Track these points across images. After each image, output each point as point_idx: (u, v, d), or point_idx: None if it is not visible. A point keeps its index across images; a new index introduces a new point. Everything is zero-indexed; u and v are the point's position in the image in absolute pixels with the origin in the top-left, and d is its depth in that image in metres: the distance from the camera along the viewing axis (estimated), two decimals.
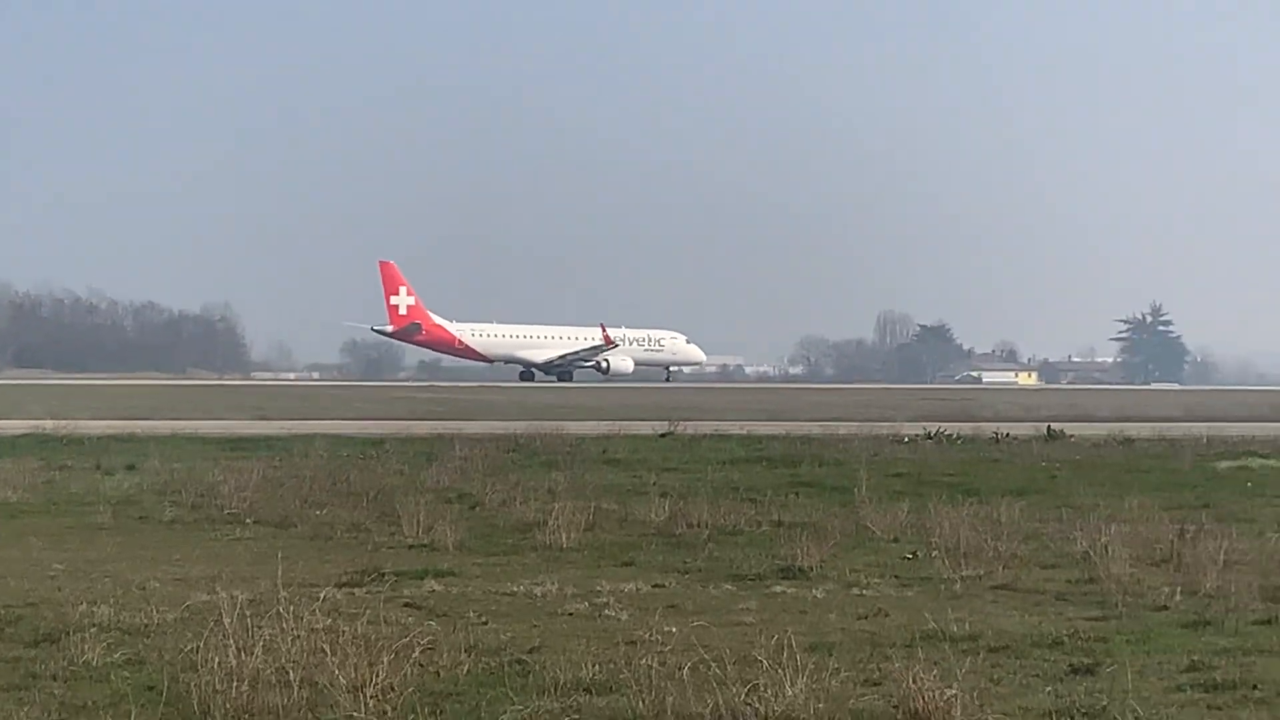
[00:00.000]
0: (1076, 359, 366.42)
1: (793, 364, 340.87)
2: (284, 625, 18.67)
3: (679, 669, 17.63)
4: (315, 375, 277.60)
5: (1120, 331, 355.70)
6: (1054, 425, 67.51)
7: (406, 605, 22.80)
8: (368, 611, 21.36)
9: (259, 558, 27.15)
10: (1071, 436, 63.66)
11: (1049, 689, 17.50)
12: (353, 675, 16.69)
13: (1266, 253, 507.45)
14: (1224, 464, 50.49)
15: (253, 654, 17.48)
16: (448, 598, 23.65)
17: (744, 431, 66.00)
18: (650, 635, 20.07)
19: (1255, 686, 17.43)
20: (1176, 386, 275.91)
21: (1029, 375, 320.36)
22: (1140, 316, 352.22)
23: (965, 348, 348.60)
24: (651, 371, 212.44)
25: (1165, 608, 22.68)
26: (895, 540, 30.40)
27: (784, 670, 16.74)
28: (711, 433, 64.71)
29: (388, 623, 20.34)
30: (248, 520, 33.12)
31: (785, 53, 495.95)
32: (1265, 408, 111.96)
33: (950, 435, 62.62)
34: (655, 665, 17.82)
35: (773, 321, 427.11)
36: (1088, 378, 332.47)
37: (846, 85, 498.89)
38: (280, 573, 22.13)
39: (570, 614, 22.27)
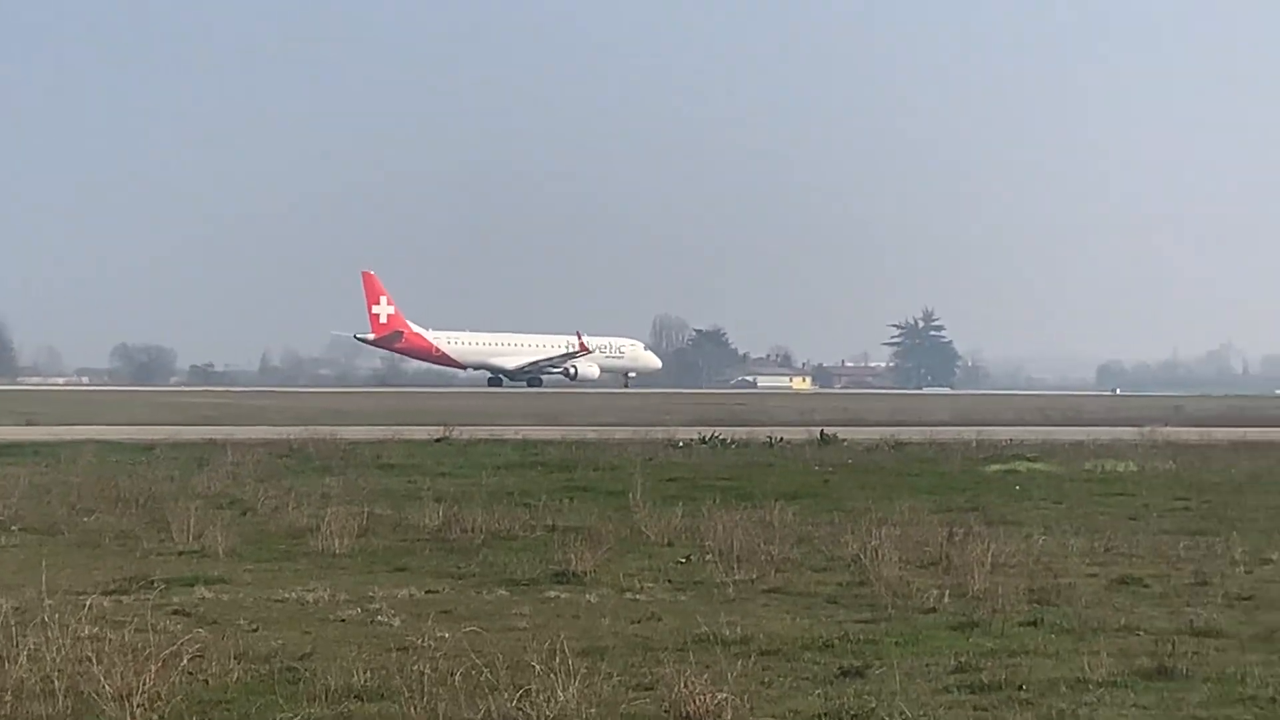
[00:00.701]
0: (850, 364, 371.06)
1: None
2: (49, 634, 18.33)
3: (451, 675, 17.55)
4: (85, 380, 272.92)
5: (893, 336, 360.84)
6: (827, 429, 68.29)
7: (176, 612, 22.42)
8: (135, 619, 21.03)
9: (24, 566, 26.52)
10: (844, 440, 64.45)
11: (819, 691, 17.64)
12: (119, 683, 16.36)
13: (1035, 259, 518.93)
14: (993, 467, 51.37)
15: (16, 663, 17.14)
16: (218, 604, 23.31)
17: (519, 436, 66.08)
18: (423, 641, 19.94)
19: (1021, 687, 17.70)
20: (948, 391, 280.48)
21: (803, 380, 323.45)
22: (912, 322, 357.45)
23: (741, 353, 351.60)
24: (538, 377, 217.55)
25: (934, 610, 22.97)
26: (669, 544, 30.52)
27: (556, 675, 16.72)
28: (487, 437, 64.69)
29: (156, 630, 19.91)
30: (13, 528, 32.37)
31: (549, 52, 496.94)
32: (1033, 411, 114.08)
33: (724, 439, 63.09)
34: (427, 671, 17.69)
35: (548, 326, 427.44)
36: (861, 382, 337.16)
37: (630, 88, 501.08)
38: (45, 580, 21.67)
39: (342, 620, 22.07)
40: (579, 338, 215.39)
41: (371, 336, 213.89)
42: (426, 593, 24.71)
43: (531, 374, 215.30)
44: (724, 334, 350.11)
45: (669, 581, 25.98)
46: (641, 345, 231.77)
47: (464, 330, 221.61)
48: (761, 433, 67.31)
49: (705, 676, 16.94)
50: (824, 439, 64.48)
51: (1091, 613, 22.67)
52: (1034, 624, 21.70)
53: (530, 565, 27.25)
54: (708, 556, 28.08)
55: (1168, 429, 74.77)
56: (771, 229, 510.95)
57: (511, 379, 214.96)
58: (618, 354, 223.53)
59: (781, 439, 63.60)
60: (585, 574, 26.03)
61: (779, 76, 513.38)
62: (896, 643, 20.35)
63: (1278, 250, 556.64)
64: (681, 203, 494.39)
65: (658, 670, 18.07)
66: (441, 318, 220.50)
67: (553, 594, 24.57)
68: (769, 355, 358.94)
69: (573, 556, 26.71)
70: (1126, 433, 73.08)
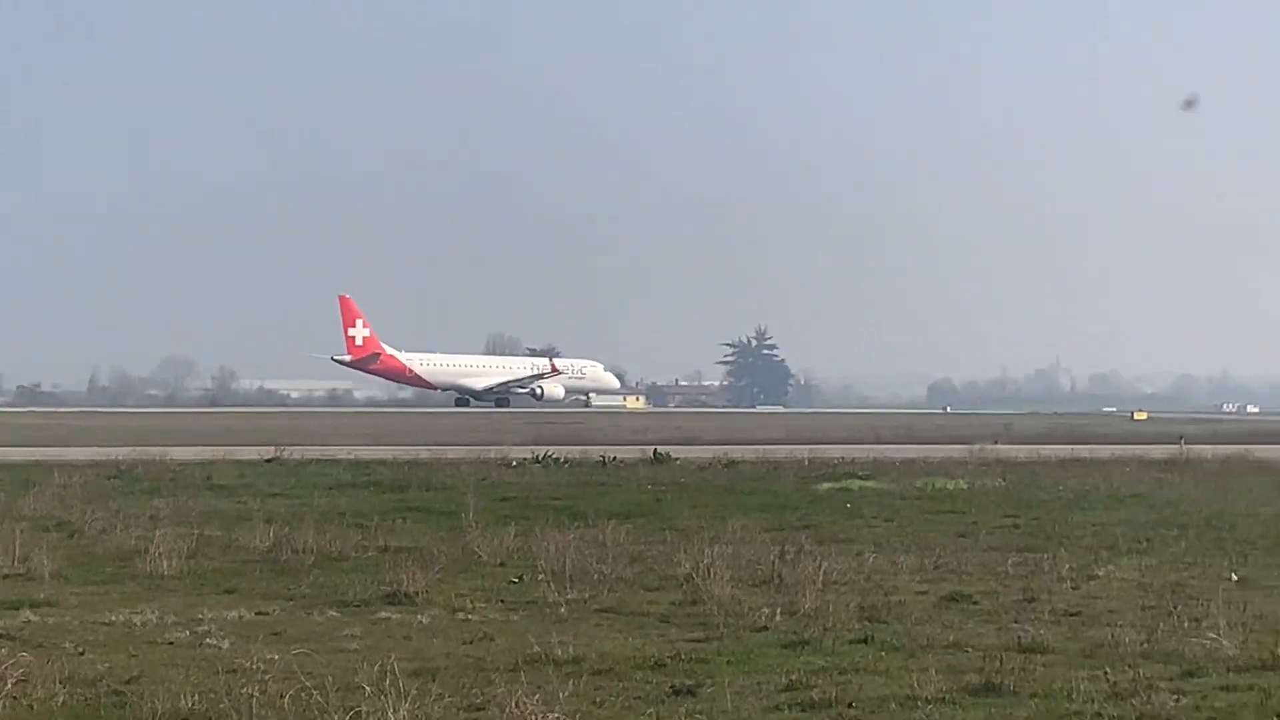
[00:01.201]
0: (684, 382, 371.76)
1: (402, 388, 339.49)
2: None
3: (280, 697, 17.39)
4: None
5: (726, 355, 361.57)
6: (660, 448, 68.42)
7: (0, 637, 22.04)
8: None
9: None
10: (677, 459, 64.66)
11: (651, 711, 17.68)
12: None
13: (866, 278, 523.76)
14: (825, 485, 51.72)
15: None
16: (43, 628, 22.96)
17: (352, 456, 65.65)
18: (252, 663, 19.73)
19: (851, 705, 17.83)
20: (781, 409, 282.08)
21: (636, 399, 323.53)
22: (746, 340, 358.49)
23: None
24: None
25: (766, 628, 23.09)
26: (502, 564, 30.46)
27: (387, 697, 16.63)
28: (319, 458, 64.26)
29: None
30: None
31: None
32: (865, 429, 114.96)
33: (558, 459, 63.12)
34: (256, 694, 17.52)
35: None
36: (695, 400, 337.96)
37: (461, 103, 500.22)
38: None
39: (170, 643, 21.82)
40: (550, 361, 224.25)
41: (348, 358, 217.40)
42: (256, 614, 24.49)
43: (499, 394, 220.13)
44: (558, 352, 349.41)
45: (501, 601, 25.93)
46: (601, 366, 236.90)
47: (435, 352, 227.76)
48: (595, 452, 67.33)
49: (537, 697, 16.92)
50: (657, 458, 64.65)
51: (921, 630, 22.89)
52: (864, 641, 21.85)
53: (362, 586, 27.06)
54: (540, 576, 28.04)
55: (997, 447, 75.75)
56: (603, 247, 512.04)
57: (479, 399, 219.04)
58: (580, 374, 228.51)
59: (615, 458, 63.67)
60: (417, 594, 25.91)
61: (578, 98, 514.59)
62: (728, 661, 20.43)
63: (1103, 270, 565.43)
64: (513, 221, 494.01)
65: (489, 691, 18.03)
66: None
67: (384, 615, 24.45)
68: None
69: (405, 577, 26.57)
70: (957, 450, 73.84)
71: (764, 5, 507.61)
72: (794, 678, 19.11)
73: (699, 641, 22.07)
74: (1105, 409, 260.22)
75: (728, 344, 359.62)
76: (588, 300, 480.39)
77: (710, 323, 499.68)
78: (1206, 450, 74.76)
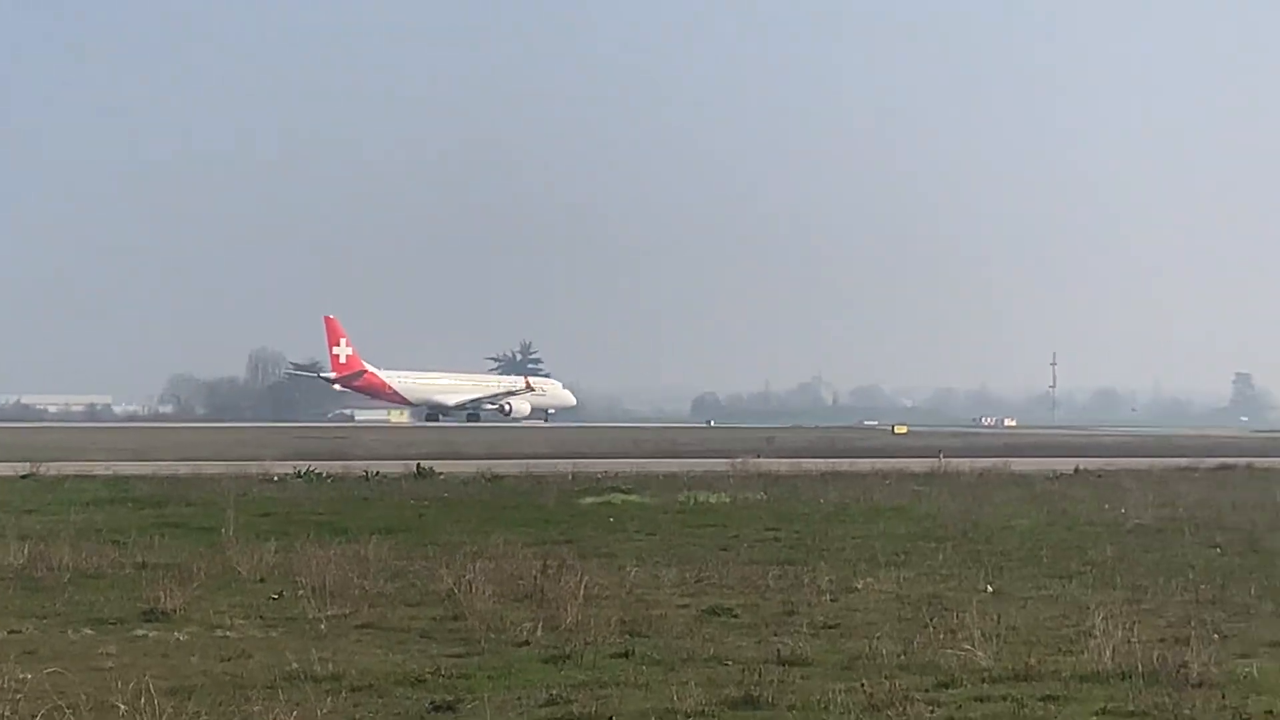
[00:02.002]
0: None
1: (163, 403, 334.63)
2: None
3: (33, 717, 17.02)
4: None
5: (491, 369, 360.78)
6: (424, 463, 68.19)
7: None
8: None
9: None
10: (441, 474, 64.47)
11: None
12: None
13: (632, 293, 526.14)
14: (588, 500, 51.85)
15: None
16: None
17: (110, 472, 64.52)
18: (4, 683, 19.24)
19: (611, 718, 17.86)
20: (544, 423, 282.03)
21: (402, 414, 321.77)
22: (510, 354, 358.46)
23: (341, 387, 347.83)
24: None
25: (527, 643, 23.05)
26: (262, 580, 30.09)
27: (142, 716, 16.38)
28: (76, 473, 63.06)
29: None
30: None
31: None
32: (629, 444, 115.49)
33: (321, 474, 62.61)
34: (7, 714, 17.16)
35: (142, 359, 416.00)
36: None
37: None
38: None
39: None
40: (526, 380, 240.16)
41: (334, 375, 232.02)
42: (9, 633, 23.94)
43: (471, 410, 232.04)
44: (321, 368, 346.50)
45: (261, 618, 25.61)
46: (559, 384, 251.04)
47: (412, 370, 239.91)
48: (358, 467, 67.00)
49: (295, 714, 16.78)
50: (421, 472, 64.44)
51: (682, 643, 23.00)
52: (625, 655, 21.90)
53: (118, 603, 26.63)
54: (300, 592, 27.73)
55: (759, 460, 76.46)
56: (368, 259, 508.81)
57: (449, 415, 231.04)
58: (540, 392, 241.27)
59: (378, 473, 63.34)
60: (175, 611, 25.49)
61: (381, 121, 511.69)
62: (489, 676, 20.35)
63: (865, 286, 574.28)
64: (275, 237, 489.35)
65: (246, 708, 17.81)
66: None
67: (141, 632, 24.03)
68: None
69: (162, 594, 26.14)
70: (719, 464, 74.43)
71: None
72: (554, 692, 19.10)
73: (460, 657, 21.98)
74: (866, 422, 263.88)
75: (492, 358, 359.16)
76: (348, 311, 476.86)
77: (475, 337, 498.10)
78: (964, 463, 76.14)
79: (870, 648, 22.26)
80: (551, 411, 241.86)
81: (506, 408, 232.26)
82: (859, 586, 29.83)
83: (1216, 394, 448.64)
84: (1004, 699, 18.83)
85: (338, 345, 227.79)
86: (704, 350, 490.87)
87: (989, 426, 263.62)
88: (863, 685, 19.15)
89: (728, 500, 52.51)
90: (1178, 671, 19.68)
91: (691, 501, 51.82)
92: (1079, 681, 19.88)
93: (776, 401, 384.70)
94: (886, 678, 19.67)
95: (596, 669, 20.93)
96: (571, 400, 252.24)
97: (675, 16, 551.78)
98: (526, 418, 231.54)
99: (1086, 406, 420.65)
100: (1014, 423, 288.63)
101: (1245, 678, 20.04)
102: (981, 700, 18.88)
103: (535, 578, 28.35)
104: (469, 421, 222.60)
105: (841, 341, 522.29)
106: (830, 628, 24.88)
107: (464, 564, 29.95)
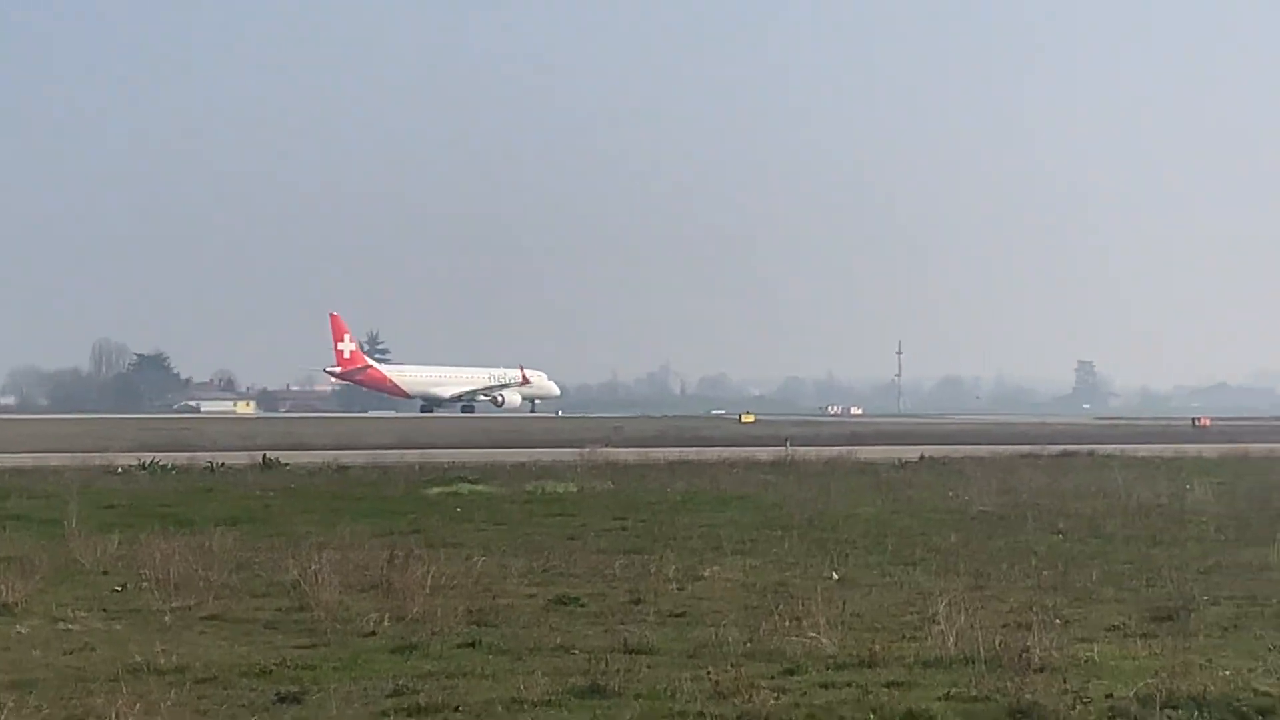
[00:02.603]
0: (295, 387, 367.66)
1: (4, 394, 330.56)
2: None
3: None
4: None
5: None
6: (270, 454, 67.68)
7: None
8: None
9: None
10: (287, 465, 64.05)
11: (255, 718, 17.45)
12: None
13: (475, 283, 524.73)
14: (435, 490, 51.72)
15: None
16: None
17: None
18: None
19: (457, 708, 17.80)
20: (392, 414, 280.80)
21: (247, 404, 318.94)
22: (358, 345, 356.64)
23: (184, 377, 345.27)
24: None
25: (373, 633, 22.95)
26: (105, 573, 29.74)
27: None
28: None
29: None
30: None
31: None
32: (477, 433, 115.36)
33: (165, 465, 62.03)
34: None
35: None
36: (307, 406, 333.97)
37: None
38: None
39: None
40: (521, 371, 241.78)
41: (338, 370, 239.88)
42: None
43: (465, 402, 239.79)
44: (166, 358, 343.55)
45: (104, 611, 25.32)
46: (544, 375, 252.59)
47: (410, 364, 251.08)
48: (203, 458, 66.39)
49: (139, 707, 16.60)
50: (266, 463, 63.97)
51: (529, 633, 23.01)
52: (472, 645, 21.87)
53: None
54: (144, 584, 27.48)
55: (607, 449, 76.55)
56: (215, 250, 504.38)
57: (446, 406, 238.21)
58: (530, 384, 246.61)
59: (223, 464, 62.85)
60: (16, 605, 25.14)
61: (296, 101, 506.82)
62: (335, 667, 20.24)
63: (713, 277, 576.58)
64: (115, 221, 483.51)
65: (89, 702, 17.61)
66: None
67: None
68: (212, 380, 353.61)
69: (4, 587, 25.77)
70: (567, 454, 74.48)
71: None
72: (401, 683, 19.03)
73: (306, 648, 21.84)
74: (714, 411, 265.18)
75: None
76: (196, 304, 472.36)
77: (322, 328, 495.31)
78: (811, 452, 76.76)
79: (716, 635, 22.37)
80: (538, 402, 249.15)
81: (499, 399, 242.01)
82: (705, 575, 29.94)
83: (1059, 381, 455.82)
84: (849, 685, 18.97)
85: (341, 341, 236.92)
86: (551, 340, 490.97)
87: (835, 415, 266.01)
88: (709, 673, 19.24)
89: (575, 490, 52.56)
90: (1020, 656, 19.91)
91: (539, 491, 51.83)
92: (923, 667, 20.08)
93: (624, 391, 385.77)
94: (732, 665, 19.78)
95: (443, 659, 20.88)
96: (555, 390, 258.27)
97: None
98: (517, 408, 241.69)
99: (931, 394, 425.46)
100: (860, 411, 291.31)
101: (1086, 662, 20.34)
102: (827, 687, 19.00)
103: (382, 568, 28.24)
104: (463, 413, 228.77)
105: (689, 331, 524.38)
106: (677, 616, 24.96)
107: (310, 555, 29.72)
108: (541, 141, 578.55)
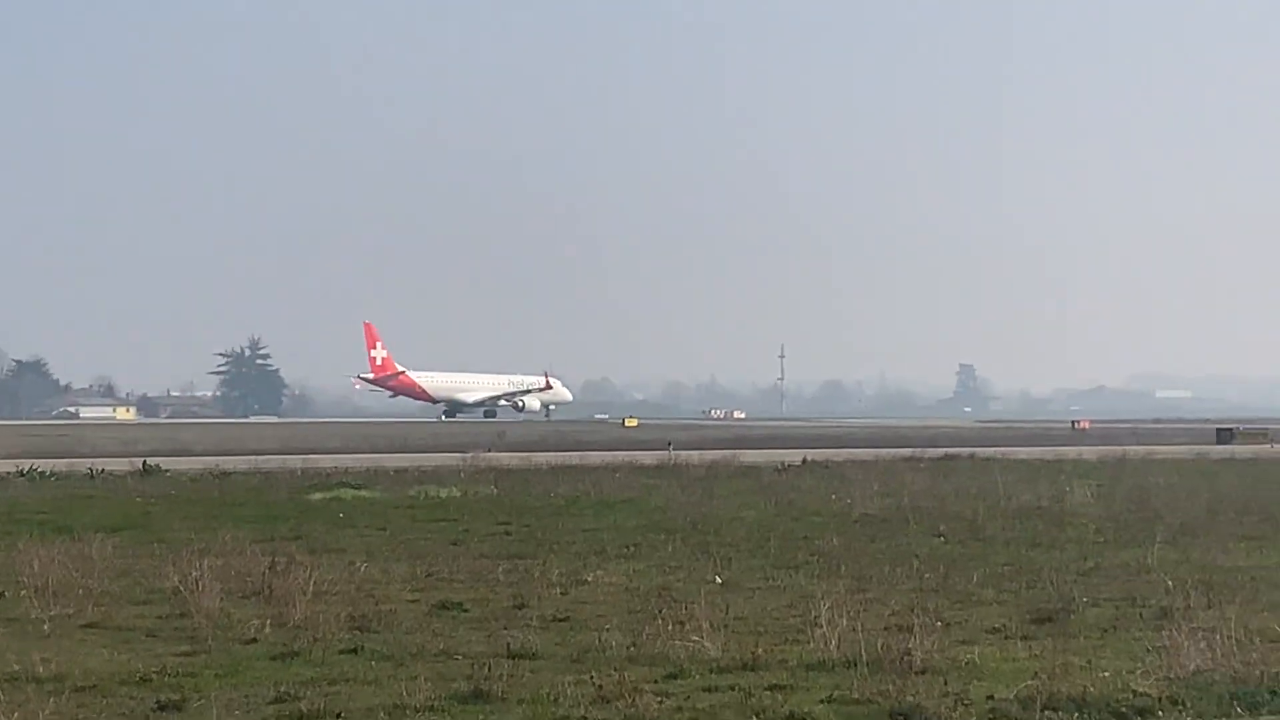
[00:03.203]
0: (176, 393, 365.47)
1: None
2: None
3: None
4: None
5: (220, 365, 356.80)
6: (151, 460, 67.11)
7: None
8: None
9: None
10: (168, 471, 63.53)
11: None
12: None
13: (357, 287, 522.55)
14: (317, 495, 51.44)
15: None
16: None
17: None
18: None
19: (339, 714, 17.73)
20: (275, 419, 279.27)
21: (128, 410, 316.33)
22: (239, 350, 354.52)
23: (63, 383, 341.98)
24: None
25: (255, 640, 22.80)
26: None
27: None
28: None
29: None
30: None
31: None
32: (360, 439, 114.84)
33: (44, 472, 61.33)
34: None
35: None
36: (188, 411, 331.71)
37: None
38: None
39: None
40: (546, 377, 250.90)
41: (371, 376, 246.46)
42: None
43: (488, 407, 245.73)
44: (45, 364, 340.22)
45: None
46: (560, 382, 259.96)
47: (437, 370, 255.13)
48: (83, 464, 65.67)
49: (16, 716, 16.44)
50: (147, 469, 63.44)
51: (411, 638, 22.92)
52: (354, 651, 21.78)
53: None
54: (22, 592, 27.16)
55: (490, 454, 76.38)
56: (96, 255, 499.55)
57: (466, 411, 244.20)
58: (549, 389, 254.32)
59: (103, 470, 62.20)
60: None
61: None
62: (216, 675, 20.09)
63: (594, 282, 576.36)
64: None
65: None
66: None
67: None
68: (92, 386, 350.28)
69: None
70: (451, 459, 74.31)
71: None
72: (283, 689, 18.91)
73: (187, 655, 21.67)
74: (598, 416, 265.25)
75: (221, 354, 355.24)
76: (75, 310, 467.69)
77: (203, 332, 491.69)
78: (694, 455, 76.88)
79: (599, 640, 22.39)
80: (553, 407, 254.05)
81: (520, 404, 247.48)
82: (589, 579, 29.96)
83: (941, 385, 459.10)
84: (732, 689, 19.04)
85: (374, 349, 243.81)
86: (437, 345, 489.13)
87: (719, 419, 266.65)
88: (592, 677, 19.27)
89: (459, 495, 52.44)
90: (901, 659, 20.06)
91: (422, 496, 51.69)
92: (805, 670, 20.19)
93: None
94: (615, 669, 19.79)
95: (325, 665, 20.78)
96: (569, 396, 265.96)
97: None
98: (536, 413, 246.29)
99: (814, 398, 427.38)
100: (743, 415, 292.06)
101: (967, 664, 20.51)
102: (710, 690, 19.06)
103: (263, 574, 28.04)
104: (485, 417, 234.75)
105: (572, 336, 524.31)
106: (560, 621, 24.96)
107: (191, 561, 29.42)
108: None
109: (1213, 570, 30.86)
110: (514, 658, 21.16)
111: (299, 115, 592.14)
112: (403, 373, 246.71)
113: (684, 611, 24.07)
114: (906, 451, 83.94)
